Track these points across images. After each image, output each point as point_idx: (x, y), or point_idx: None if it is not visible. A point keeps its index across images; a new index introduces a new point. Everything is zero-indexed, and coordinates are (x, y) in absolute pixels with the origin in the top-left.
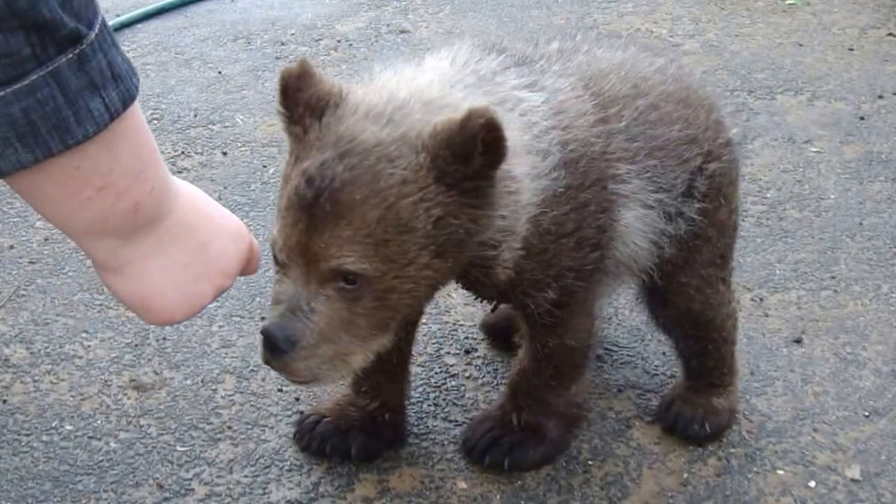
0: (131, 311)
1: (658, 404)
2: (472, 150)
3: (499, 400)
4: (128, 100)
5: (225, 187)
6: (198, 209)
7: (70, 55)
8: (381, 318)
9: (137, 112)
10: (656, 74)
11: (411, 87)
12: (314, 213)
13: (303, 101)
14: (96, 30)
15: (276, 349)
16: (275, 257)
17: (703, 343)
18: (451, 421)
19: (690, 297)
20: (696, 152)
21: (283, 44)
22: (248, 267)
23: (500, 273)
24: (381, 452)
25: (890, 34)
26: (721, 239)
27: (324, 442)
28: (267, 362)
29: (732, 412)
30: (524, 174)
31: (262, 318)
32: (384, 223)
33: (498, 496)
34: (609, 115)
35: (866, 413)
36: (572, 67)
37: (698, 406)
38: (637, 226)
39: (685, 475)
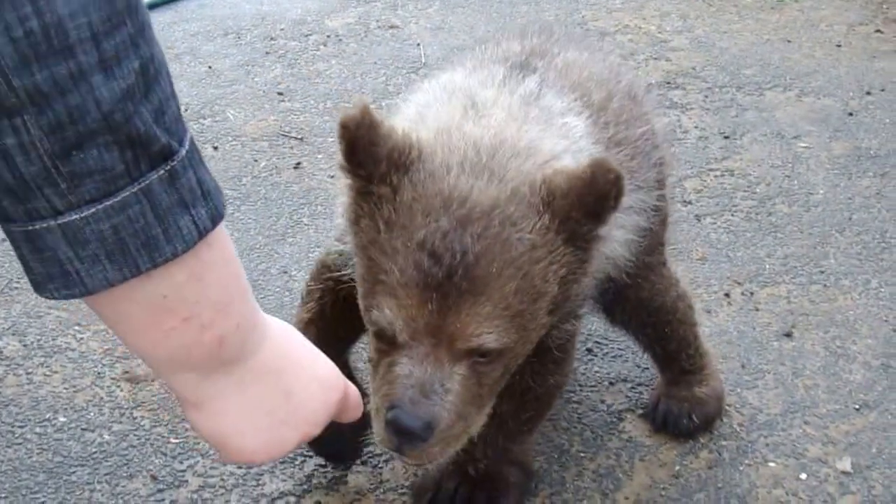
0: (250, 473)
1: (645, 407)
2: (606, 208)
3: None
4: (216, 217)
5: (217, 181)
6: (286, 354)
7: (162, 171)
8: (501, 382)
9: (227, 242)
10: (611, 73)
11: (487, 127)
12: (447, 291)
13: (384, 157)
14: (187, 146)
15: (413, 437)
16: (383, 333)
17: (660, 328)
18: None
19: (638, 285)
20: (651, 145)
21: (272, 39)
22: (344, 415)
23: (557, 316)
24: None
25: (878, 31)
26: (661, 227)
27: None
28: (397, 450)
29: (718, 399)
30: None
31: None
32: (520, 294)
33: None
34: (599, 125)
35: (857, 406)
36: (565, 78)
37: (683, 400)
38: (623, 237)
39: (677, 468)
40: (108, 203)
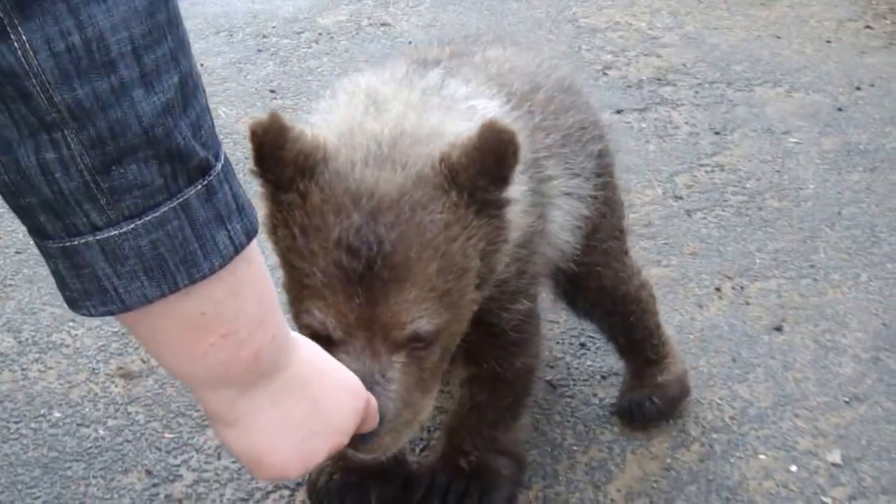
0: (244, 466)
1: (613, 408)
2: (507, 167)
3: (437, 450)
4: (251, 232)
5: None
6: (314, 364)
7: (199, 186)
8: (442, 364)
9: (259, 257)
10: (540, 67)
11: (386, 120)
12: (371, 283)
13: (291, 161)
14: (222, 160)
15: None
16: (317, 336)
17: (624, 317)
18: (436, 408)
19: (600, 274)
20: (589, 136)
21: (264, 37)
22: (364, 424)
23: (486, 289)
24: (401, 497)
25: (867, 26)
26: (614, 215)
27: (343, 499)
28: (351, 447)
29: (680, 381)
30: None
31: None
32: (443, 273)
33: None
34: (524, 112)
35: (846, 399)
36: (480, 71)
37: (645, 387)
38: (563, 220)
39: (668, 460)
40: (147, 219)
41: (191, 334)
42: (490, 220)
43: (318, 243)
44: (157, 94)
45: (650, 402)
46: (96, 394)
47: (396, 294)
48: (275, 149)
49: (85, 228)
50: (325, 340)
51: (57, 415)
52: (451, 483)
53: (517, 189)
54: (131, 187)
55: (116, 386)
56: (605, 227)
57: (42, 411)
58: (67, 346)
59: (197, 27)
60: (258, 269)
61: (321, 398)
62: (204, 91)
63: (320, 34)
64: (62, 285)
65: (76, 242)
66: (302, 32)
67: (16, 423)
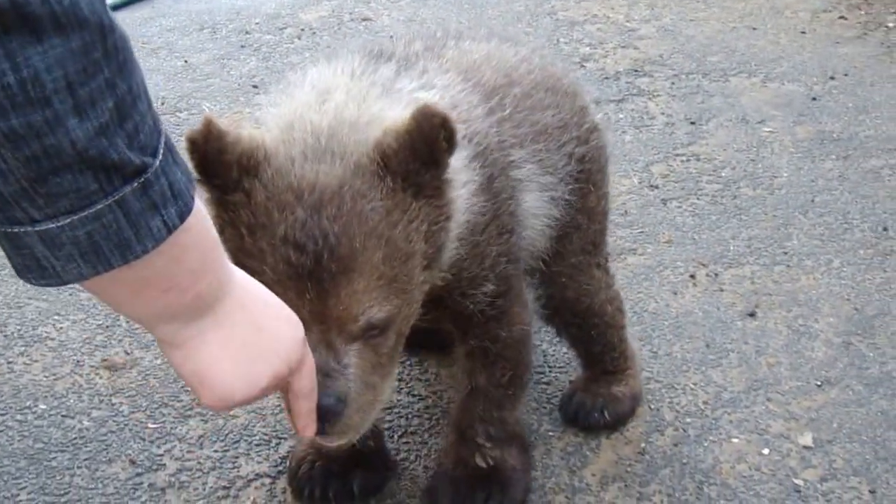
0: (192, 391)
1: (560, 398)
2: (439, 150)
3: (450, 449)
4: (185, 213)
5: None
6: (252, 293)
7: (135, 184)
8: (398, 347)
9: (201, 216)
10: (523, 63)
11: (326, 111)
12: (320, 277)
13: (234, 164)
14: (160, 155)
15: (329, 414)
16: None
17: (586, 330)
18: (414, 395)
19: (563, 285)
20: (568, 137)
21: (247, 33)
22: (300, 380)
23: (438, 278)
24: (383, 485)
25: (841, 17)
26: (591, 226)
27: (325, 487)
28: (322, 433)
29: (634, 398)
30: (456, 168)
31: None
32: (389, 260)
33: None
34: (493, 104)
35: (818, 383)
36: (448, 62)
37: (598, 395)
38: (536, 207)
39: (643, 445)
40: (82, 214)
41: (134, 292)
42: (429, 202)
43: (266, 241)
44: (90, 120)
45: (600, 413)
46: (81, 386)
47: (345, 286)
48: (217, 154)
49: (24, 221)
50: None
51: (42, 407)
52: (474, 490)
53: (463, 171)
54: (67, 192)
55: (101, 378)
56: (577, 238)
57: (27, 403)
58: (52, 339)
59: (181, 24)
60: (198, 230)
61: (263, 325)
62: (146, 94)
63: (302, 30)
64: (7, 257)
65: (16, 230)
66: (284, 28)
67: (1, 415)
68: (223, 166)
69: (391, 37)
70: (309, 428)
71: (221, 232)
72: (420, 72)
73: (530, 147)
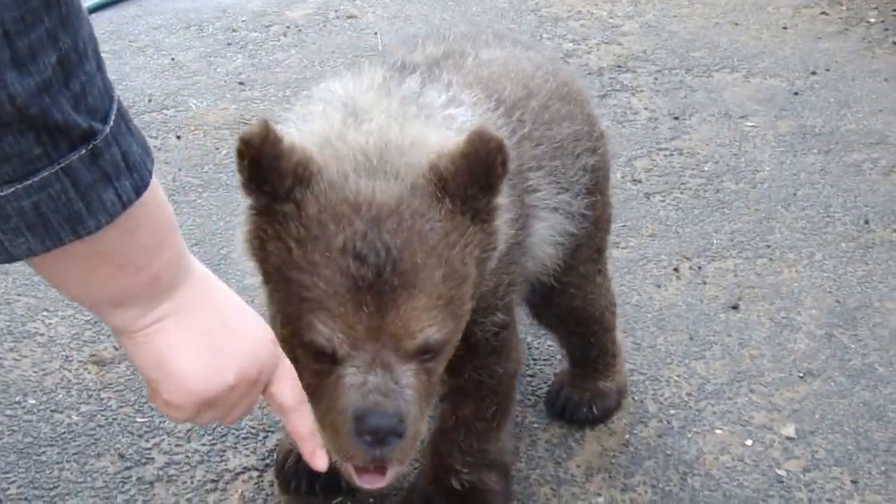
0: (151, 388)
1: (546, 393)
2: (495, 175)
3: (426, 468)
4: (141, 188)
5: (179, 169)
6: (212, 283)
7: (83, 151)
8: (439, 379)
9: (157, 191)
10: (538, 72)
11: (369, 132)
12: (380, 289)
13: (290, 172)
14: (111, 122)
15: (390, 437)
16: (321, 352)
17: (586, 336)
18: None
19: (572, 295)
20: (582, 149)
21: (234, 30)
22: (280, 386)
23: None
24: None
25: (823, 13)
26: (598, 234)
27: (312, 481)
28: (376, 459)
29: (620, 393)
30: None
31: None
32: (448, 280)
33: None
34: (513, 121)
35: (801, 374)
36: (470, 76)
37: (585, 390)
38: (546, 234)
39: (627, 436)
40: (27, 183)
41: (87, 268)
42: (483, 228)
43: (320, 252)
44: (31, 75)
45: (588, 408)
46: (70, 381)
47: (406, 301)
48: (273, 159)
49: None
50: (330, 357)
51: (31, 402)
52: None
53: (503, 199)
54: (10, 156)
55: (89, 373)
56: (586, 248)
57: (17, 398)
58: (41, 334)
59: (167, 22)
60: (154, 205)
61: (228, 316)
62: (96, 53)
63: (288, 27)
64: None
65: None
66: (270, 26)
67: None
68: (277, 173)
69: (376, 33)
70: (319, 455)
71: (264, 246)
72: (445, 85)
73: (548, 165)
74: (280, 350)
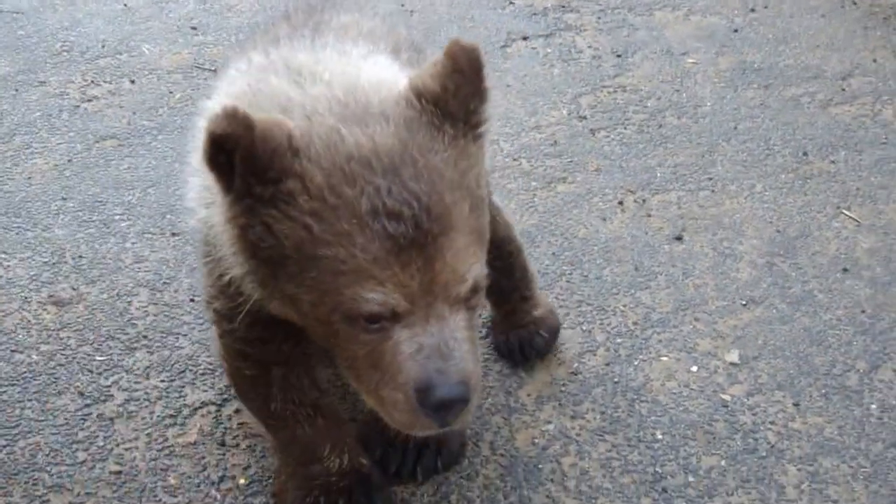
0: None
1: (494, 346)
2: (485, 76)
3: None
4: None
5: (134, 113)
6: None
7: None
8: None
9: None
10: (390, 29)
11: (328, 81)
12: (423, 243)
13: (286, 148)
14: None
15: (458, 404)
16: (376, 317)
17: (507, 259)
18: None
19: (497, 224)
20: None
21: None
22: None
23: None
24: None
25: None
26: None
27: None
28: (443, 426)
29: (553, 311)
30: None
31: (174, 234)
32: (474, 211)
33: None
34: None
35: (743, 302)
36: (348, 33)
37: (527, 324)
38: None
39: (576, 365)
40: None
41: None
42: (479, 143)
43: (346, 221)
44: None
45: (539, 336)
46: (29, 321)
47: (449, 246)
48: (262, 142)
49: None
50: (391, 317)
51: None
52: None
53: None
54: None
55: (48, 313)
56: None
57: None
58: (0, 277)
59: None
60: None
61: None
62: None
63: None
64: None
65: None
66: None
67: None
68: (270, 154)
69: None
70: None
71: (271, 232)
72: (351, 39)
73: None
74: None
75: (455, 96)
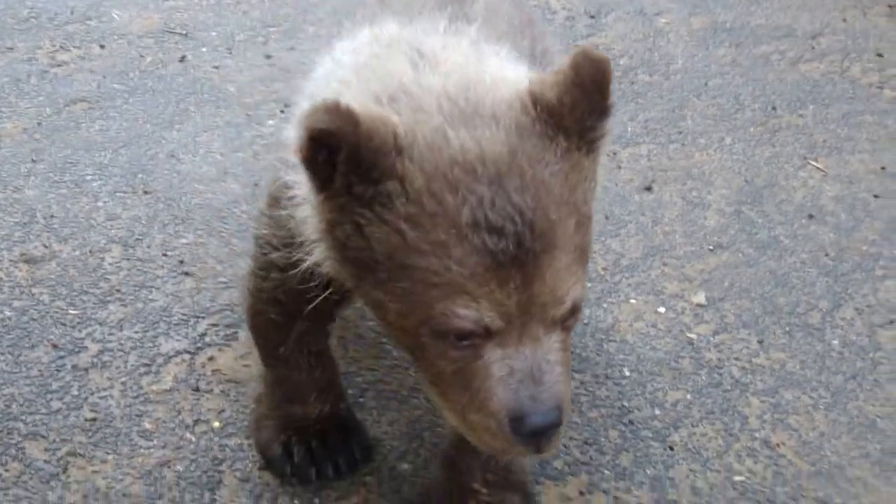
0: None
1: None
2: (609, 93)
3: (441, 484)
4: None
5: (104, 76)
6: None
7: None
8: None
9: None
10: (529, 19)
11: (447, 72)
12: (523, 260)
13: (392, 146)
14: None
15: (551, 430)
16: (466, 335)
17: None
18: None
19: None
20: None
21: None
22: None
23: None
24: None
25: None
26: None
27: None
28: (536, 452)
29: None
30: None
31: (146, 192)
32: (579, 228)
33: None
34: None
35: (710, 247)
36: (490, 25)
37: None
38: None
39: None
40: None
41: None
42: (593, 158)
43: (444, 230)
44: None
45: None
46: (1, 279)
47: (550, 265)
48: (367, 139)
49: None
50: (483, 335)
51: None
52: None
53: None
54: None
55: (20, 270)
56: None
57: None
58: None
59: None
60: None
61: None
62: None
63: None
64: None
65: None
66: None
67: None
68: (374, 153)
69: None
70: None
71: (361, 233)
72: (477, 28)
73: None
74: None
75: (572, 111)
